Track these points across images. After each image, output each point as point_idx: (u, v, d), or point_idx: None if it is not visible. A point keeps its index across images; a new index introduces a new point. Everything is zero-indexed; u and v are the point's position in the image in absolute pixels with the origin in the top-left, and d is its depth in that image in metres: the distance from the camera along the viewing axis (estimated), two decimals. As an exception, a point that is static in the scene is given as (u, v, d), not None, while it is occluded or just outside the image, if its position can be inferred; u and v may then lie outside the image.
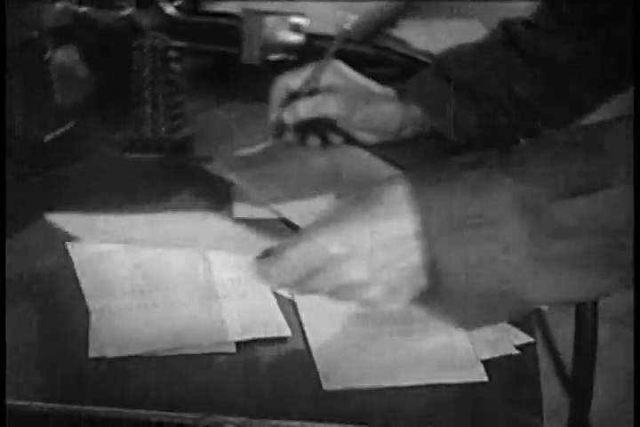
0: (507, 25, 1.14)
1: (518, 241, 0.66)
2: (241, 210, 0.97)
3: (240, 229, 0.90)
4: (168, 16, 1.15)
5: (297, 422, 0.71)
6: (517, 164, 0.68)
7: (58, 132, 1.08)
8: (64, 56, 1.19)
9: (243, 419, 0.71)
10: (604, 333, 1.56)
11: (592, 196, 0.65)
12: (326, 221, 0.70)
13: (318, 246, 0.69)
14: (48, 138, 1.07)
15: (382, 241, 0.68)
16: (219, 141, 1.10)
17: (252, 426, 0.71)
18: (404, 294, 0.70)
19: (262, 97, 1.09)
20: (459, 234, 0.66)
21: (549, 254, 0.66)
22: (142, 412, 0.71)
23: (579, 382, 1.51)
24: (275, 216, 0.96)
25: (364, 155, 1.08)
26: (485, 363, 0.77)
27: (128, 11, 1.14)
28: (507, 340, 0.79)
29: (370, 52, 1.20)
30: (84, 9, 1.15)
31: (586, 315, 1.47)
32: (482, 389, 0.75)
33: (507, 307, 0.70)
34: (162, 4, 1.15)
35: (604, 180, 0.65)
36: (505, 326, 0.80)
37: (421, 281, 0.69)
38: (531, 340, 0.80)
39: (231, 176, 1.02)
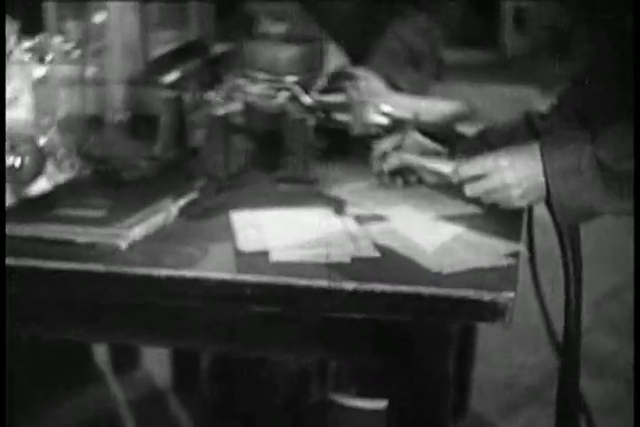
0: (528, 115, 1.81)
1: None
2: (352, 211, 1.63)
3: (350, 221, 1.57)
4: (304, 104, 1.85)
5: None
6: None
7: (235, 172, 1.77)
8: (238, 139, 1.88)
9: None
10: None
11: None
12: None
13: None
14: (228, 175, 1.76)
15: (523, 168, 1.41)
16: (334, 181, 1.78)
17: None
18: (531, 197, 1.43)
19: (362, 155, 1.77)
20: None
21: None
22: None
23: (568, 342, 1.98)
24: (372, 213, 1.62)
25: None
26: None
27: (281, 100, 1.83)
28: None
29: (431, 129, 1.88)
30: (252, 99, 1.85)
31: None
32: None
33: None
34: (301, 96, 1.84)
35: None
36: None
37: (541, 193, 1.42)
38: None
39: (345, 196, 1.69)
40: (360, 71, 2.16)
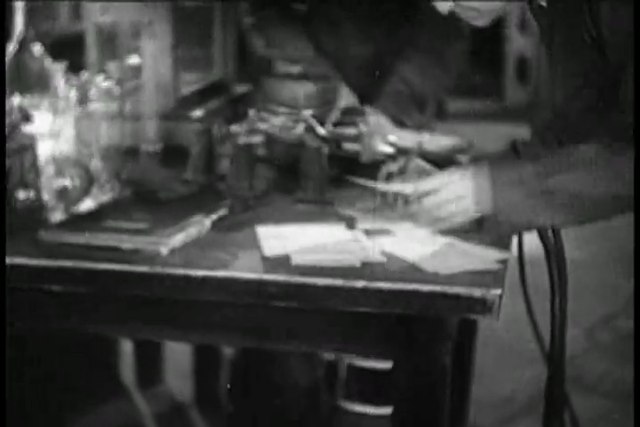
0: (514, 143, 2.05)
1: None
2: (361, 226, 1.86)
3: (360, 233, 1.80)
4: (320, 135, 2.09)
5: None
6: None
7: (259, 194, 2.01)
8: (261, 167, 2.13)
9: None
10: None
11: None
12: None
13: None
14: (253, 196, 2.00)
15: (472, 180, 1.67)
16: (346, 202, 2.01)
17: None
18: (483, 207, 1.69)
19: (372, 177, 2.01)
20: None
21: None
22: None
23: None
24: (379, 228, 1.85)
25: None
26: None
27: (299, 131, 2.08)
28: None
29: (432, 157, 2.11)
30: (273, 130, 2.10)
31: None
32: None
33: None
34: (317, 128, 2.09)
35: None
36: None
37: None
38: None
39: (355, 215, 1.92)
40: (369, 109, 2.41)
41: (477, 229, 1.76)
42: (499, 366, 3.28)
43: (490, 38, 7.19)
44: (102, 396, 2.91)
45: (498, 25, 7.40)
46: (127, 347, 3.05)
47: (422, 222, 1.81)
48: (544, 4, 1.83)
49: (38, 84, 2.30)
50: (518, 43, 7.62)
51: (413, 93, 2.67)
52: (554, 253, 2.02)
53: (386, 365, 2.42)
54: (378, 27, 2.73)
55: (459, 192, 1.75)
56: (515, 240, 1.96)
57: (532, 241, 2.01)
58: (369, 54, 2.71)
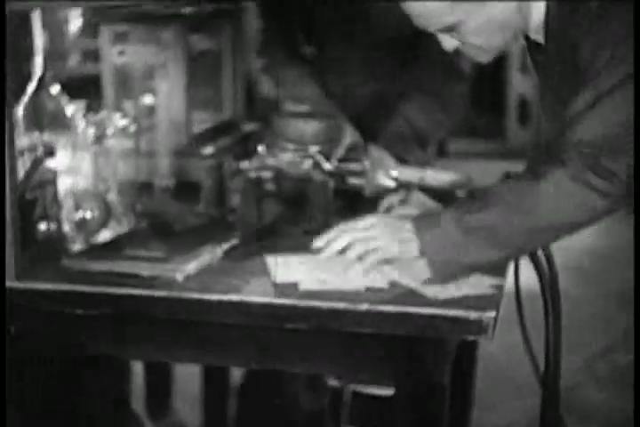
0: (507, 175, 2.17)
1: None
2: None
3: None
4: (326, 170, 2.21)
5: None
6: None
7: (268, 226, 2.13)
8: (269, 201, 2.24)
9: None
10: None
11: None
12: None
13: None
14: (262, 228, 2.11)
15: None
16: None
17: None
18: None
19: (373, 212, 2.13)
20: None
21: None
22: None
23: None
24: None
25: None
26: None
27: (306, 166, 2.20)
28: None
29: (432, 190, 2.23)
30: (281, 165, 2.22)
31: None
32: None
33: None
34: (323, 163, 2.21)
35: None
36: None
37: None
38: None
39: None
40: (372, 147, 2.53)
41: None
42: (498, 395, 3.37)
43: (491, 80, 7.35)
44: (112, 424, 3.00)
45: (499, 67, 7.56)
46: (138, 377, 3.14)
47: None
48: (541, 41, 1.94)
49: (56, 122, 2.43)
50: (519, 85, 7.76)
51: (415, 133, 2.80)
52: (548, 283, 2.12)
53: (389, 391, 2.52)
54: (382, 69, 2.86)
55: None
56: (511, 272, 2.07)
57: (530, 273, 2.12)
58: (373, 94, 2.84)
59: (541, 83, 2.01)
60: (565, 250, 2.39)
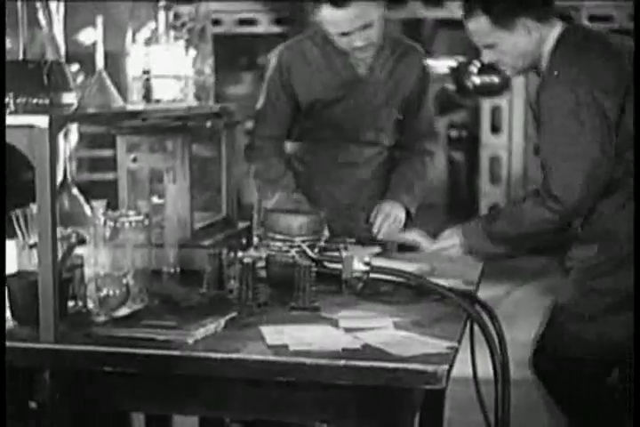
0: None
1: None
2: (342, 325, 2.37)
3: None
4: (310, 257, 2.62)
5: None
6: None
7: (261, 303, 2.53)
8: (262, 285, 2.64)
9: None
10: None
11: None
12: None
13: None
14: (256, 305, 2.51)
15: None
16: (330, 309, 2.52)
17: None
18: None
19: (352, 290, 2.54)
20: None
21: None
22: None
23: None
24: (357, 326, 2.36)
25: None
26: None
27: (293, 254, 2.61)
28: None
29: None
30: (272, 253, 2.63)
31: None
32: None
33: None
34: (308, 252, 2.63)
35: None
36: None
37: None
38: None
39: (338, 318, 2.43)
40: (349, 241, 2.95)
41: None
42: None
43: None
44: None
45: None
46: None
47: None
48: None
49: (78, 218, 2.84)
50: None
51: None
52: (500, 371, 2.47)
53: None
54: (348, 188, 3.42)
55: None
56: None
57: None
58: (344, 204, 3.35)
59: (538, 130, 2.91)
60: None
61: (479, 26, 2.80)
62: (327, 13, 3.10)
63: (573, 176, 2.73)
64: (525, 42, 2.80)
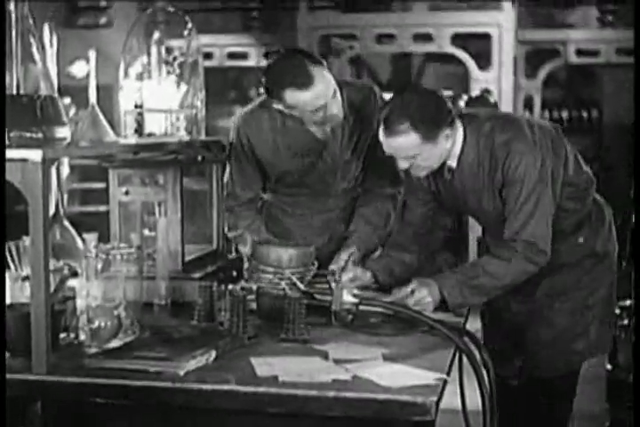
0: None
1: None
2: (332, 357, 2.40)
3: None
4: (300, 289, 2.65)
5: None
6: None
7: (251, 335, 2.55)
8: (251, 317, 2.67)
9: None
10: None
11: None
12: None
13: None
14: (247, 337, 2.53)
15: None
16: (320, 340, 2.55)
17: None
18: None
19: (341, 321, 2.56)
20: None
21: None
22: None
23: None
24: (346, 358, 2.38)
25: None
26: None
27: (283, 286, 2.64)
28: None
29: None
30: (263, 285, 2.66)
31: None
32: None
33: None
34: (298, 284, 2.65)
35: None
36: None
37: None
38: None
39: (327, 349, 2.46)
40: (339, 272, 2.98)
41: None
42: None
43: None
44: None
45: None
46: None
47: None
48: (453, 165, 2.98)
49: (69, 250, 2.86)
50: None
51: None
52: (488, 402, 2.50)
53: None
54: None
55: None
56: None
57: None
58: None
59: (450, 192, 2.99)
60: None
61: (408, 141, 2.79)
62: (291, 96, 3.03)
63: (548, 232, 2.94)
64: (445, 147, 2.87)
